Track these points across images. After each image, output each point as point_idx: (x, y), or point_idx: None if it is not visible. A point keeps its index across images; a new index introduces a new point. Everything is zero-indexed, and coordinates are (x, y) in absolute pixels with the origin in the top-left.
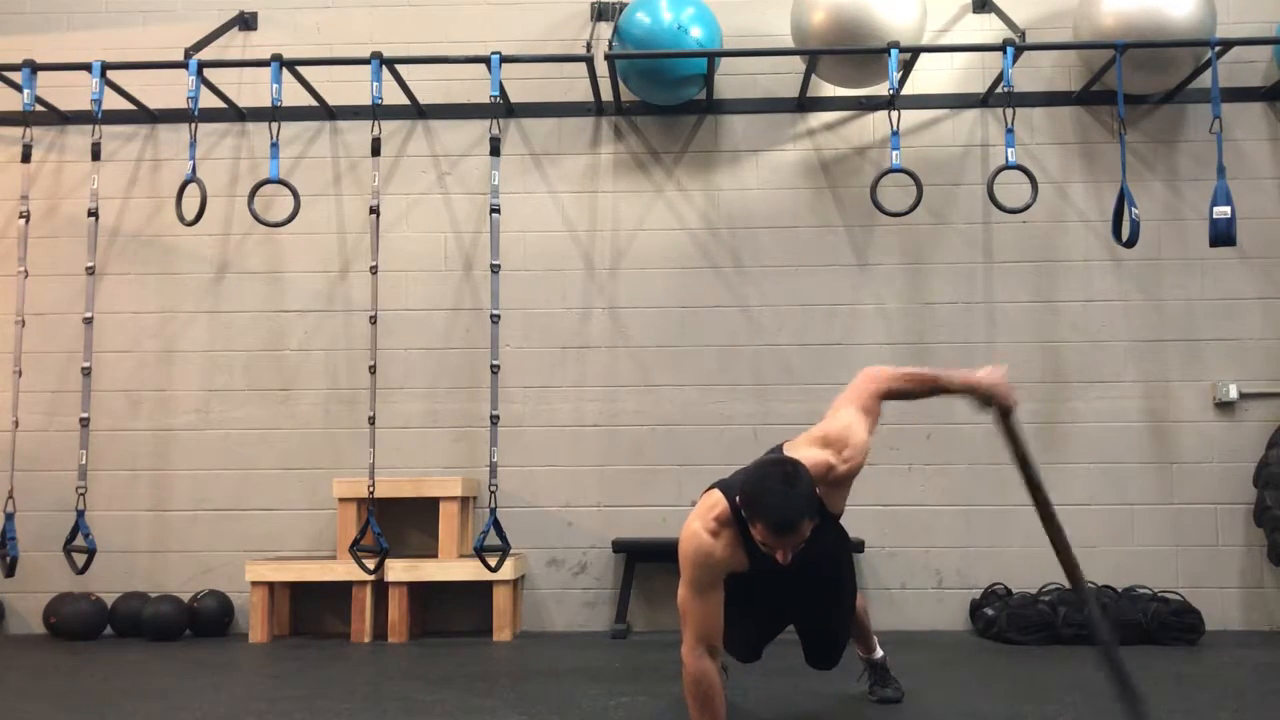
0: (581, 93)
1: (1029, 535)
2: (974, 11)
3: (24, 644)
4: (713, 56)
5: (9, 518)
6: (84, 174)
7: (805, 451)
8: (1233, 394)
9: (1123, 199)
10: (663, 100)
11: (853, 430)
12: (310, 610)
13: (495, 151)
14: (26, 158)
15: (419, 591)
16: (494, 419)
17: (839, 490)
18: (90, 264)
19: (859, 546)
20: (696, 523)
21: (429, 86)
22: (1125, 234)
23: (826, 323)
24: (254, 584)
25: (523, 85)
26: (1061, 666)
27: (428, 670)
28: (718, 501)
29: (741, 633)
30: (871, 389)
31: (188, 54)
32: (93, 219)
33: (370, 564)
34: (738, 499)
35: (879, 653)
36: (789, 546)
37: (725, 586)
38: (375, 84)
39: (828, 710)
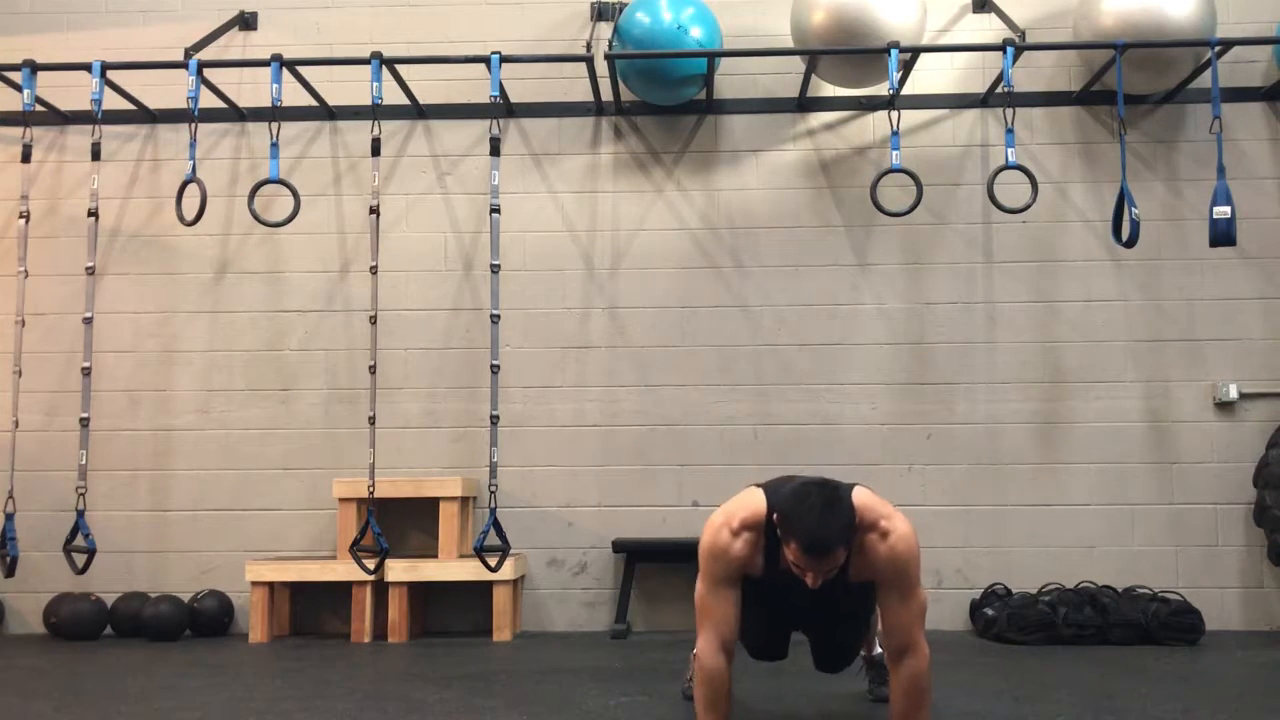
0: (581, 93)
1: (1029, 535)
2: (974, 11)
3: (24, 644)
4: (713, 56)
5: (9, 518)
6: (84, 174)
7: (869, 499)
8: (1233, 394)
9: (1123, 199)
10: (663, 100)
11: (912, 539)
12: (310, 610)
13: (495, 151)
14: (26, 158)
15: (419, 591)
16: (494, 419)
17: (866, 561)
18: (90, 264)
19: None
20: (721, 518)
21: (429, 86)
22: (1125, 234)
23: (826, 323)
24: (254, 584)
25: (523, 85)
26: (1061, 666)
27: (428, 670)
28: (756, 505)
29: (756, 631)
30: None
31: (188, 54)
32: (93, 219)
33: (370, 564)
34: (775, 516)
35: (879, 650)
36: (820, 570)
37: (741, 587)
38: (375, 84)
39: (828, 710)
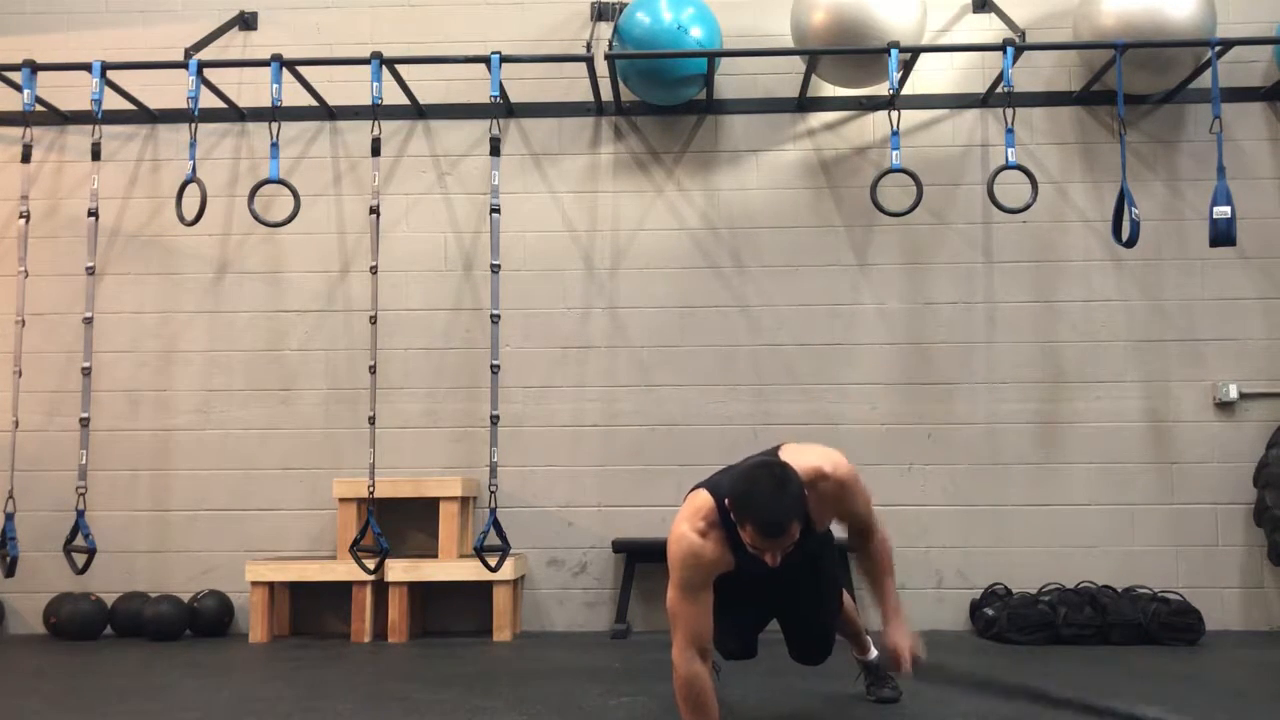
0: (581, 93)
1: (1029, 535)
2: (974, 11)
3: (24, 644)
4: (713, 56)
5: (9, 518)
6: (84, 174)
7: (798, 456)
8: (1233, 394)
9: (1123, 199)
10: (663, 100)
11: (847, 466)
12: (310, 610)
13: (495, 151)
14: (26, 158)
15: (419, 591)
16: (494, 419)
17: (824, 506)
18: (90, 264)
19: None
20: (685, 524)
21: (429, 86)
22: (1125, 234)
23: (826, 323)
24: (254, 584)
25: (523, 85)
26: (1061, 666)
27: (428, 670)
28: (705, 502)
29: (728, 630)
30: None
31: (188, 54)
32: (93, 219)
33: (370, 564)
34: (727, 501)
35: (874, 653)
36: (778, 548)
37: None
38: (375, 84)
39: (827, 711)
